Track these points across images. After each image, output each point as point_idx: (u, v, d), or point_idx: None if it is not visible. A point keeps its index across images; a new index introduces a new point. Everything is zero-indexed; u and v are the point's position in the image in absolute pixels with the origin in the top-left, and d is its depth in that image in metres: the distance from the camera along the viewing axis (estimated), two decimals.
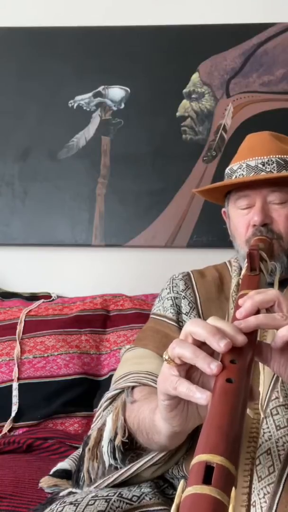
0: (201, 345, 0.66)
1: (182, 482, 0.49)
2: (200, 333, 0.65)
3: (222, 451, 0.50)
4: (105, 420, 0.96)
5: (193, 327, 0.66)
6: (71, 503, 0.81)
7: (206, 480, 0.47)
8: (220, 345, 0.63)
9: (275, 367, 0.71)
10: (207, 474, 0.48)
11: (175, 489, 0.96)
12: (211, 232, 1.90)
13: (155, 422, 0.79)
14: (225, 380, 0.59)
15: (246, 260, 0.89)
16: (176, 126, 1.97)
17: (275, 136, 1.15)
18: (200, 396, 0.63)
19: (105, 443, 0.93)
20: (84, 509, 0.79)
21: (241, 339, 0.64)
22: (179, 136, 1.97)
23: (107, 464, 0.92)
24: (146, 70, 1.99)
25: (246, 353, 0.64)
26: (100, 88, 2.00)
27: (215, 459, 0.49)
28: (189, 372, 0.69)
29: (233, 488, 0.47)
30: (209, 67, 1.98)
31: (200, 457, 0.50)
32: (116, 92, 2.00)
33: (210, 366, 0.62)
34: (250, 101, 1.97)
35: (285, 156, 1.09)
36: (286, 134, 1.19)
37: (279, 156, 1.09)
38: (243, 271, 0.90)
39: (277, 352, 0.70)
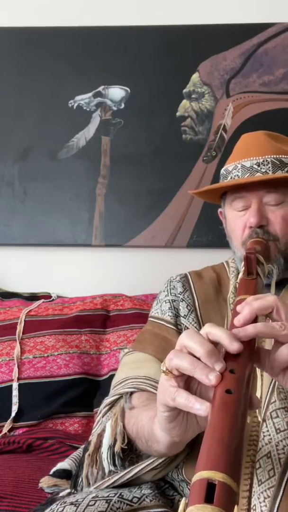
0: None
1: (183, 500, 0.48)
2: (196, 351, 0.65)
3: (223, 467, 0.49)
4: (105, 426, 0.96)
5: (189, 342, 0.66)
6: (71, 504, 0.80)
7: (208, 498, 0.47)
8: (215, 368, 0.62)
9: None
10: (209, 492, 0.47)
11: (175, 490, 0.96)
12: (211, 232, 1.90)
13: (154, 431, 0.79)
14: (224, 391, 0.59)
15: (243, 263, 0.89)
16: (176, 126, 1.97)
17: (271, 135, 1.13)
18: (199, 407, 0.62)
19: (104, 449, 0.92)
20: (84, 510, 0.79)
21: (237, 346, 0.63)
22: (179, 136, 1.97)
23: (106, 471, 0.92)
24: (146, 70, 1.99)
25: (245, 362, 0.64)
26: (100, 88, 2.00)
27: (217, 476, 0.48)
28: (187, 381, 0.69)
29: (236, 506, 0.47)
30: (209, 67, 1.98)
31: (201, 474, 0.49)
32: (116, 92, 2.00)
33: (208, 377, 0.61)
34: (250, 101, 1.97)
35: (280, 156, 1.08)
36: (286, 134, 1.19)
37: (274, 156, 1.07)
38: (240, 275, 0.90)
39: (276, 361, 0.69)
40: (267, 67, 1.97)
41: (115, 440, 0.91)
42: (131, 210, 1.97)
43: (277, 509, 0.79)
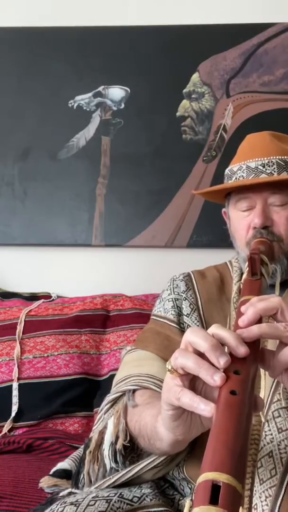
0: (203, 353, 0.65)
1: (188, 502, 0.48)
2: (200, 345, 0.64)
3: (228, 469, 0.49)
4: (107, 423, 0.96)
5: (194, 338, 0.65)
6: (71, 504, 0.80)
7: (213, 500, 0.47)
8: (220, 362, 0.62)
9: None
10: (214, 493, 0.47)
11: (176, 489, 0.96)
12: (211, 232, 1.90)
13: (157, 429, 0.79)
14: (229, 393, 0.58)
15: (247, 263, 0.88)
16: (176, 126, 1.97)
17: (275, 136, 1.13)
18: (204, 408, 0.62)
19: (106, 446, 0.92)
20: (84, 510, 0.78)
21: (243, 350, 0.63)
22: (179, 136, 1.97)
23: (108, 467, 0.92)
24: (146, 70, 1.99)
25: (250, 363, 0.63)
26: (100, 88, 2.00)
27: (222, 477, 0.48)
28: (192, 381, 0.68)
29: (240, 508, 0.47)
30: (209, 67, 1.98)
31: (206, 476, 0.49)
32: (116, 92, 2.00)
33: (213, 378, 0.61)
34: (250, 101, 1.97)
35: (285, 157, 1.08)
36: (286, 134, 1.19)
37: (280, 157, 1.08)
38: (244, 275, 0.89)
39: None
40: (267, 67, 1.97)
41: (117, 437, 0.91)
42: (131, 210, 1.97)
43: (279, 508, 0.79)
